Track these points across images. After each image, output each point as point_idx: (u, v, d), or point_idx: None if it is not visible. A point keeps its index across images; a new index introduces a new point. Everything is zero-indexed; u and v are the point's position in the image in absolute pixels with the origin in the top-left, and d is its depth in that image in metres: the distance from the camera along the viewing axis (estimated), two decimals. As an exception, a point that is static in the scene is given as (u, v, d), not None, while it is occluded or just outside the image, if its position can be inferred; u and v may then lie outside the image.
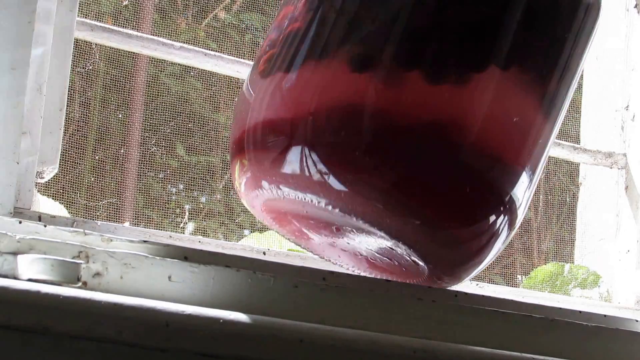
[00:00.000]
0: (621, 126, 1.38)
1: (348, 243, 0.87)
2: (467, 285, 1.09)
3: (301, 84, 0.79)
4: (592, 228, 1.42)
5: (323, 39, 0.80)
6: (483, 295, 0.92)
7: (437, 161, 0.78)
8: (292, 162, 0.78)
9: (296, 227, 0.88)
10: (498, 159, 0.80)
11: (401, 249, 0.82)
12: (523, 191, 0.82)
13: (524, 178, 0.82)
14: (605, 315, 0.98)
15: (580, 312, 0.97)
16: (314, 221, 0.84)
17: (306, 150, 0.77)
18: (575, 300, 1.22)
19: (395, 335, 0.85)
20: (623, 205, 1.35)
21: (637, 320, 0.99)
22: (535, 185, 0.85)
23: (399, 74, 0.78)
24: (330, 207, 0.79)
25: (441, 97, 0.78)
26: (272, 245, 1.56)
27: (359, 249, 0.88)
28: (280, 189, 0.80)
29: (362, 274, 0.93)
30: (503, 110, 0.81)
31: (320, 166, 0.77)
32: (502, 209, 0.81)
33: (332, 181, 0.77)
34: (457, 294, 0.91)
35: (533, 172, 0.84)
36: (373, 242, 0.84)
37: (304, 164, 0.78)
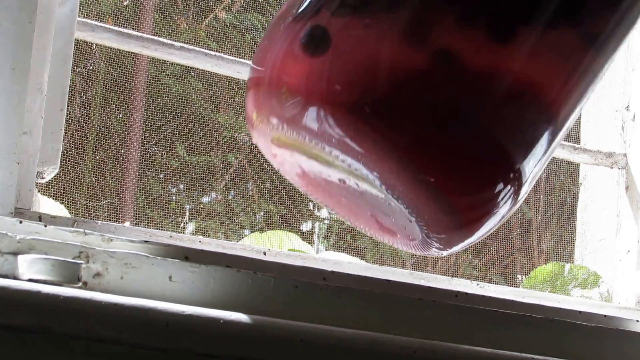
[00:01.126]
0: (621, 126, 1.38)
1: (348, 191, 0.85)
2: (467, 285, 1.09)
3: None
4: (592, 228, 1.42)
5: None
6: (483, 295, 0.93)
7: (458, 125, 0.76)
8: (310, 119, 0.76)
9: (300, 171, 0.85)
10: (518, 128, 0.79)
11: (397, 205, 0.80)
12: (533, 166, 0.81)
13: (537, 152, 0.81)
14: (605, 315, 0.98)
15: (580, 312, 0.97)
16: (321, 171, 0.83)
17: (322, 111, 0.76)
18: (575, 300, 1.22)
19: (395, 335, 0.85)
20: (623, 205, 1.35)
21: (637, 320, 0.99)
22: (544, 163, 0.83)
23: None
24: (338, 152, 0.77)
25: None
26: (272, 245, 1.56)
27: (363, 202, 0.86)
28: (293, 131, 0.78)
29: (371, 234, 0.90)
30: (533, 73, 0.79)
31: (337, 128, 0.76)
32: (510, 179, 0.79)
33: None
34: (457, 294, 0.91)
35: (545, 151, 0.82)
36: (374, 195, 0.83)
37: (322, 121, 0.76)
